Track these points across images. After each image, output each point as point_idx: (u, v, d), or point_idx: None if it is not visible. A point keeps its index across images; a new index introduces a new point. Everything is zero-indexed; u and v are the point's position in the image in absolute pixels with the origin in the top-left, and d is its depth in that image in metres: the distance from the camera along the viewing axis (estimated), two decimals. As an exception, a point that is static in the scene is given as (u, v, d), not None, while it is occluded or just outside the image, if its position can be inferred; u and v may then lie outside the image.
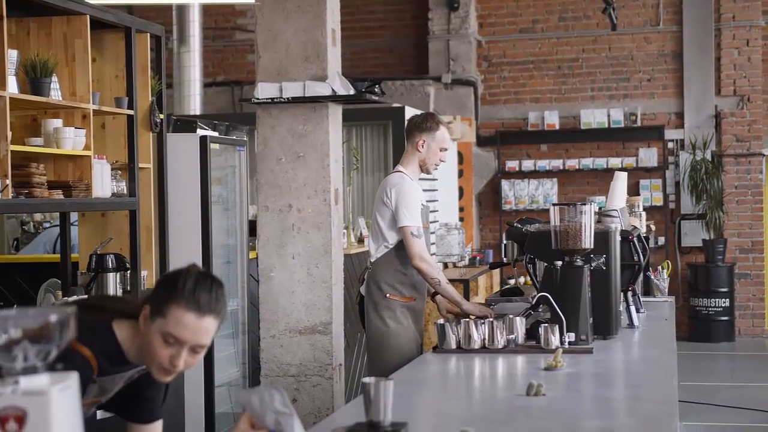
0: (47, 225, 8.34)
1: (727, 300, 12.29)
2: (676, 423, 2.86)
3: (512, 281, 12.23)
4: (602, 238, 4.54)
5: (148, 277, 5.91)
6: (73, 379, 1.78)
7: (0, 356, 1.74)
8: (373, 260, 5.32)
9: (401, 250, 5.19)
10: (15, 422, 1.70)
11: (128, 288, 5.65)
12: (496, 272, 11.45)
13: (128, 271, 5.62)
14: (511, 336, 4.29)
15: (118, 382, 2.79)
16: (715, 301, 12.27)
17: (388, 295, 5.22)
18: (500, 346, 4.24)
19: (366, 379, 2.75)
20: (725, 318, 12.31)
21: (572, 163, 12.80)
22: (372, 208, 10.41)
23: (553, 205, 4.46)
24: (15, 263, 6.86)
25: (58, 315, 1.76)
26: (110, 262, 5.45)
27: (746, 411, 8.55)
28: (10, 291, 6.38)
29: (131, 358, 2.73)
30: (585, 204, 4.42)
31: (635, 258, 5.02)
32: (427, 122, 5.35)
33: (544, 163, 12.89)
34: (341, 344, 6.04)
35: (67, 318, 1.77)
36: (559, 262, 4.41)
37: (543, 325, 4.24)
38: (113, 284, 5.45)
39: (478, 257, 11.16)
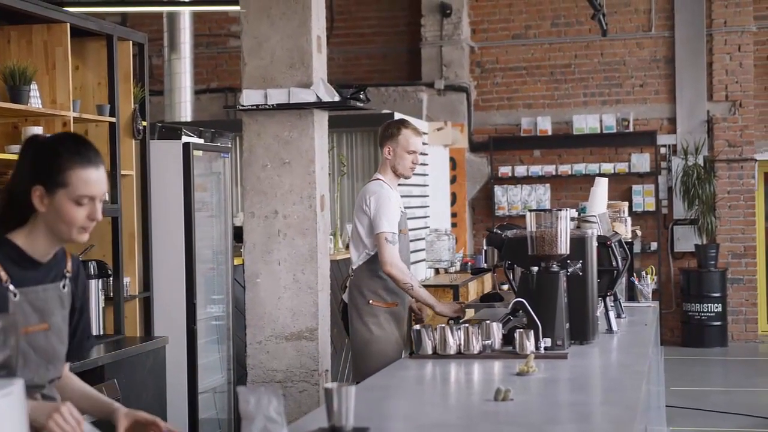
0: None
1: (720, 305, 12.30)
2: (636, 427, 2.87)
3: (505, 287, 12.23)
4: (579, 243, 4.55)
5: (131, 283, 5.93)
6: (17, 385, 1.79)
7: (-58, 363, 1.76)
8: (354, 267, 5.39)
9: None
10: (-44, 428, 1.71)
11: (111, 295, 5.66)
12: (488, 278, 11.46)
13: (110, 278, 5.64)
14: (487, 341, 4.30)
15: (45, 296, 2.78)
16: (708, 306, 12.28)
17: (371, 301, 5.28)
18: (476, 352, 4.25)
19: (328, 385, 2.77)
20: (718, 323, 12.32)
21: (565, 169, 12.82)
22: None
23: (530, 210, 4.48)
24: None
25: (0, 322, 1.78)
26: (92, 268, 5.46)
27: (737, 416, 8.55)
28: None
29: (39, 257, 2.77)
30: (561, 210, 4.43)
31: (613, 263, 5.02)
32: (388, 129, 5.44)
33: (536, 169, 12.90)
34: (327, 350, 6.05)
35: (10, 324, 1.78)
36: (535, 268, 4.42)
37: (518, 330, 4.25)
38: (95, 291, 5.46)
39: (470, 263, 11.17)
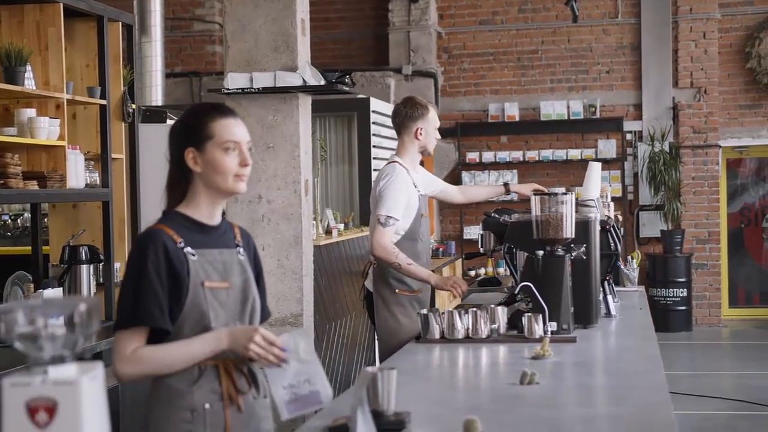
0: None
1: (685, 290, 12.44)
2: (672, 410, 2.88)
3: (472, 272, 12.28)
4: (583, 227, 4.55)
5: (122, 268, 5.84)
6: (99, 368, 1.75)
7: (27, 346, 1.72)
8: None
9: (406, 243, 5.14)
10: (45, 412, 1.67)
11: (101, 280, 5.57)
12: (458, 263, 11.49)
13: (101, 263, 5.55)
14: (493, 326, 4.30)
15: (224, 259, 2.88)
16: (673, 291, 12.41)
17: (397, 290, 5.18)
18: (484, 336, 4.24)
19: (370, 369, 2.74)
20: (683, 308, 12.46)
21: (532, 155, 12.86)
22: (339, 200, 10.32)
23: (535, 194, 4.47)
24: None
25: (86, 304, 1.74)
26: (83, 253, 5.37)
27: (704, 399, 8.66)
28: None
29: (206, 220, 2.89)
30: (566, 194, 4.43)
31: (612, 247, 5.04)
32: (417, 109, 5.37)
33: (504, 155, 12.94)
34: (311, 336, 6.02)
35: (95, 307, 1.74)
36: (541, 252, 4.41)
37: (526, 314, 4.25)
38: (86, 276, 5.37)
39: (440, 248, 11.20)
